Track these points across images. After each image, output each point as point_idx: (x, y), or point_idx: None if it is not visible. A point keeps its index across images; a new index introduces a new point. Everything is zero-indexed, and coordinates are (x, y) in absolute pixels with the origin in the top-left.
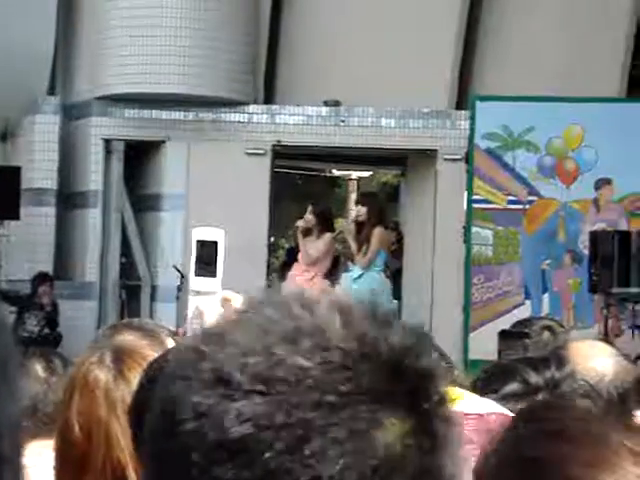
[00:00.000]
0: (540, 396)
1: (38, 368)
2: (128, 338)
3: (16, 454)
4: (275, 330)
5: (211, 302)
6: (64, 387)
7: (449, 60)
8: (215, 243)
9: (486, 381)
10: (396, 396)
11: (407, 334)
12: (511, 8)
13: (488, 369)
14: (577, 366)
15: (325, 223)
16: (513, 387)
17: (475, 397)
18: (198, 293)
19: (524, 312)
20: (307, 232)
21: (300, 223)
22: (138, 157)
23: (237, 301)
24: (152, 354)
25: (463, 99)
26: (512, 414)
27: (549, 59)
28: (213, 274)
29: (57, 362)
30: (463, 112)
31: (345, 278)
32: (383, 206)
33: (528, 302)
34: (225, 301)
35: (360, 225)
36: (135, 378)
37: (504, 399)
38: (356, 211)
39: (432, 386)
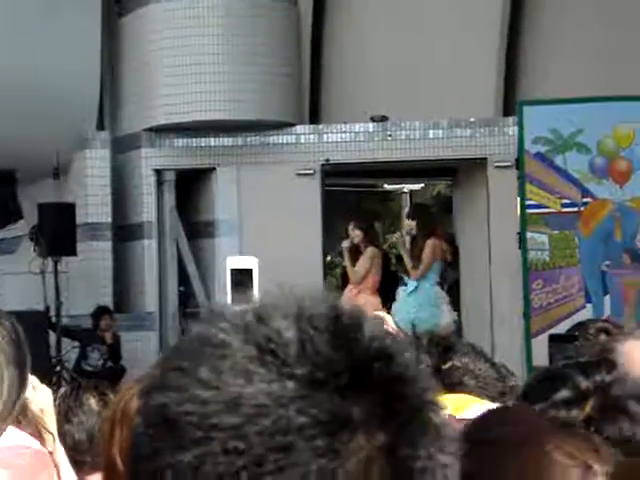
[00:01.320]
0: (591, 401)
1: (92, 402)
2: None
3: None
4: (230, 356)
5: None
6: (105, 423)
7: (493, 67)
8: (250, 271)
9: (536, 389)
10: (358, 420)
11: (377, 340)
12: (552, 10)
13: (537, 376)
14: (631, 365)
15: (370, 237)
16: (563, 394)
17: (486, 404)
18: None
19: (585, 315)
20: (356, 249)
21: (344, 244)
22: (189, 185)
23: None
24: None
25: (510, 105)
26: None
27: (594, 59)
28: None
29: (111, 395)
30: (511, 118)
31: (400, 292)
32: (433, 217)
33: (589, 305)
34: None
35: (414, 239)
36: None
37: (555, 406)
38: (407, 225)
39: (406, 396)
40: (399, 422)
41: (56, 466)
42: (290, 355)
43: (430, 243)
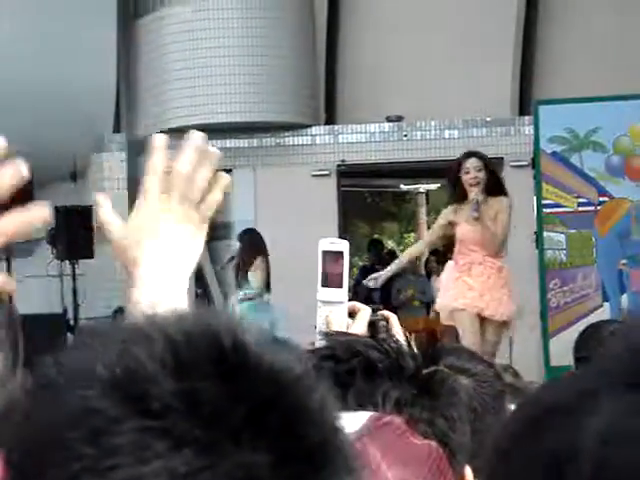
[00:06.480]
0: None
1: None
2: None
3: None
4: (112, 431)
5: (339, 312)
6: None
7: (509, 67)
8: (341, 253)
9: None
10: (265, 476)
11: (268, 371)
12: (568, 8)
13: None
14: None
15: (498, 183)
16: None
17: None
18: (325, 303)
19: (602, 315)
20: (463, 195)
21: (476, 201)
22: None
23: (365, 312)
24: None
25: (525, 105)
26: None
27: (610, 58)
28: (340, 285)
29: None
30: (526, 118)
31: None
32: None
33: (606, 304)
34: (354, 312)
35: None
36: None
37: None
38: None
39: (309, 432)
40: (305, 461)
41: None
42: (178, 418)
43: None
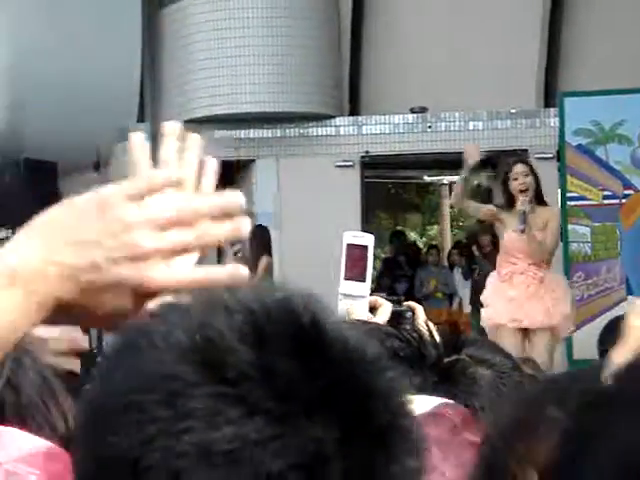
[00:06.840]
0: None
1: None
2: None
3: None
4: (188, 394)
5: (360, 306)
6: None
7: (534, 59)
8: (365, 247)
9: None
10: (332, 452)
11: (341, 351)
12: (592, 2)
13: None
14: None
15: (540, 189)
16: None
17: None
18: (347, 296)
19: (626, 308)
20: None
21: (524, 206)
22: (228, 177)
23: (386, 307)
24: None
25: (551, 97)
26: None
27: (636, 49)
28: (362, 279)
29: None
30: (552, 110)
31: None
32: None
33: (630, 297)
34: (375, 307)
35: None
36: None
37: None
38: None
39: (378, 410)
40: (372, 441)
41: None
42: (254, 387)
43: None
